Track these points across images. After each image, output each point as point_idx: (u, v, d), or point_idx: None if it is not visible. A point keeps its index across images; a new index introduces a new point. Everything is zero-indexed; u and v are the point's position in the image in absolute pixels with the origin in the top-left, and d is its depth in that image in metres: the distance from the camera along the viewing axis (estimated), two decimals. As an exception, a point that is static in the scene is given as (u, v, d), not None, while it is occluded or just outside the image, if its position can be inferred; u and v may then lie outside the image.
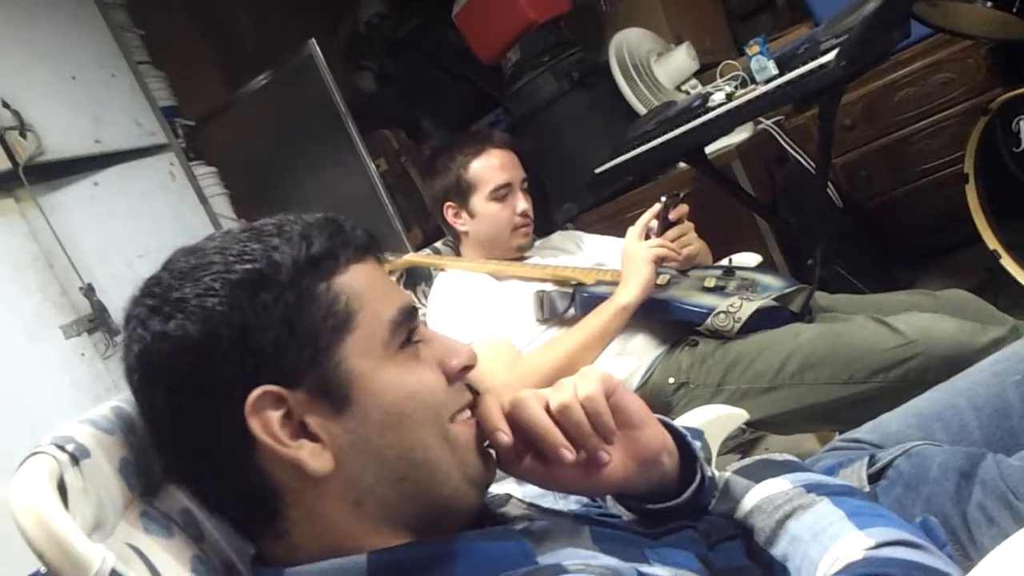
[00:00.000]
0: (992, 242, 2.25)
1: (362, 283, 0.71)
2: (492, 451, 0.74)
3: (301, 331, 0.67)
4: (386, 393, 0.69)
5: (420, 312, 1.97)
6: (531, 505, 0.81)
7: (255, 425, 0.65)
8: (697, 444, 0.82)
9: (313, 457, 0.66)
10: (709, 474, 0.81)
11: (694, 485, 0.78)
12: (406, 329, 0.72)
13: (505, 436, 0.72)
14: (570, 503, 0.85)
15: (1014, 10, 2.02)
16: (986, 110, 2.17)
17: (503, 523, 0.77)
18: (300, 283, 0.68)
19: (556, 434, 0.72)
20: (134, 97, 2.80)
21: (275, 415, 0.66)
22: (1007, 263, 2.23)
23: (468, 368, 0.75)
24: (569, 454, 0.72)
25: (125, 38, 2.85)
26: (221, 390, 0.65)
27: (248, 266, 0.67)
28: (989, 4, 2.03)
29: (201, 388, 0.65)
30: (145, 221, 2.65)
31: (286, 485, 0.67)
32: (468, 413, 0.74)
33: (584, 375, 0.75)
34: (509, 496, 0.82)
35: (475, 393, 0.76)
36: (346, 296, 0.69)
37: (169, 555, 0.68)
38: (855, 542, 0.66)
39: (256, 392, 0.65)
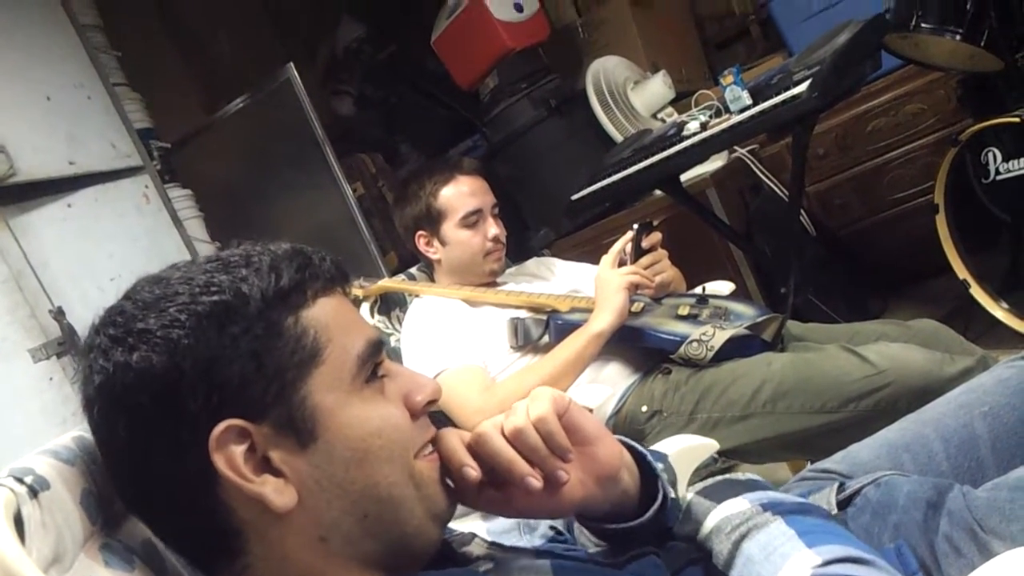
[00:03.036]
0: (962, 272, 2.28)
1: (329, 317, 0.70)
2: (451, 484, 0.74)
3: (268, 365, 0.66)
4: (352, 429, 0.68)
5: (394, 338, 1.97)
6: (494, 544, 0.81)
7: (218, 460, 0.64)
8: (660, 466, 0.82)
9: (276, 492, 0.65)
10: (671, 494, 0.81)
11: (656, 504, 0.78)
12: (372, 363, 0.71)
13: (473, 472, 0.72)
14: (535, 539, 0.85)
15: (982, 43, 2.06)
16: (956, 141, 2.20)
17: (466, 563, 0.77)
18: (268, 316, 0.67)
19: (521, 463, 0.72)
20: (109, 119, 2.78)
21: (239, 450, 0.65)
22: (976, 292, 2.26)
23: (432, 403, 0.74)
24: (536, 482, 0.71)
25: (101, 59, 2.83)
26: (185, 423, 0.64)
27: (215, 298, 0.66)
28: (958, 37, 2.07)
29: (164, 421, 0.64)
30: (118, 244, 2.62)
31: (248, 521, 0.66)
32: (430, 448, 0.74)
33: (535, 397, 0.75)
34: (473, 535, 0.81)
35: (436, 427, 0.76)
36: (314, 330, 0.68)
37: (128, 590, 0.66)
38: (804, 560, 0.66)
39: (220, 426, 0.64)
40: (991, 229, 2.34)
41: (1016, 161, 2.11)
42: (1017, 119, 2.03)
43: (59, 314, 2.30)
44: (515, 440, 0.73)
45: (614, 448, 0.77)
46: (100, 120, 2.75)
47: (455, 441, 0.74)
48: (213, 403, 0.64)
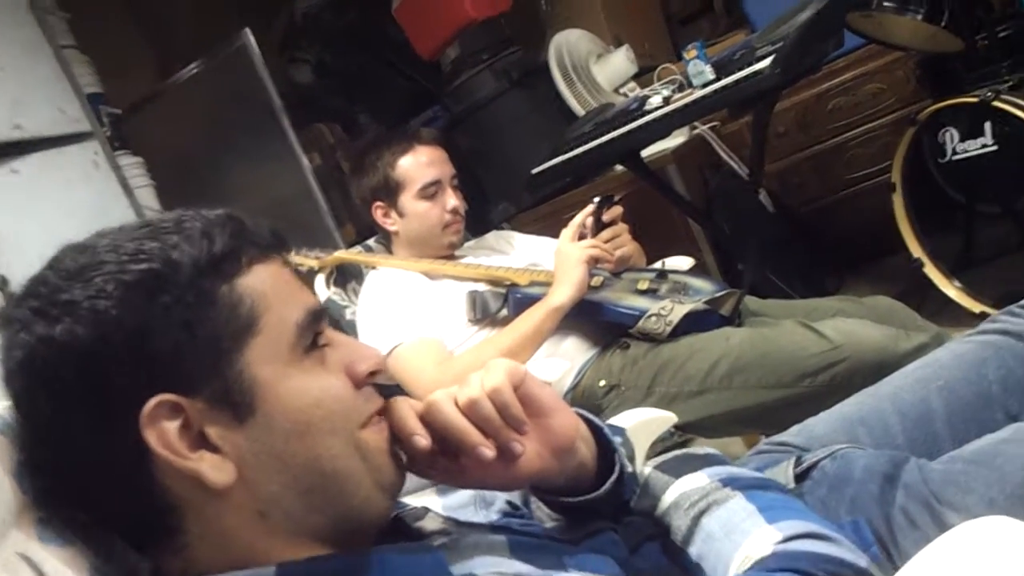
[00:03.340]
0: (916, 250, 2.31)
1: (266, 285, 0.67)
2: (403, 456, 0.72)
3: (201, 336, 0.63)
4: (291, 400, 0.65)
5: (350, 311, 1.94)
6: (448, 519, 0.79)
7: (151, 436, 0.61)
8: (617, 439, 0.80)
9: (213, 469, 0.62)
10: (628, 468, 0.80)
11: (613, 477, 0.77)
12: (312, 332, 0.68)
13: (423, 440, 0.70)
14: (491, 514, 0.83)
15: (943, 23, 2.07)
16: (914, 121, 2.22)
17: (420, 537, 0.75)
18: (200, 285, 0.64)
19: (473, 433, 0.70)
20: (57, 82, 2.70)
21: (172, 425, 0.62)
22: (930, 271, 2.29)
23: (375, 373, 0.72)
24: (489, 452, 0.70)
25: (49, 21, 2.74)
26: (113, 399, 0.61)
27: (144, 266, 0.62)
28: (919, 17, 2.08)
29: (91, 397, 0.61)
30: (66, 211, 2.55)
31: (185, 498, 0.63)
32: (378, 419, 0.71)
33: (489, 368, 0.73)
34: (427, 510, 0.79)
35: (385, 398, 0.73)
36: (250, 299, 0.65)
37: (66, 566, 0.63)
38: (765, 537, 0.66)
39: (152, 402, 0.61)
40: (946, 209, 2.36)
41: (972, 141, 2.13)
42: (975, 99, 2.05)
43: (2, 283, 2.24)
44: (469, 411, 0.71)
45: (570, 420, 0.76)
46: (47, 84, 2.67)
47: (405, 409, 0.72)
48: (143, 377, 0.61)
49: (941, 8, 2.08)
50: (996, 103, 2.01)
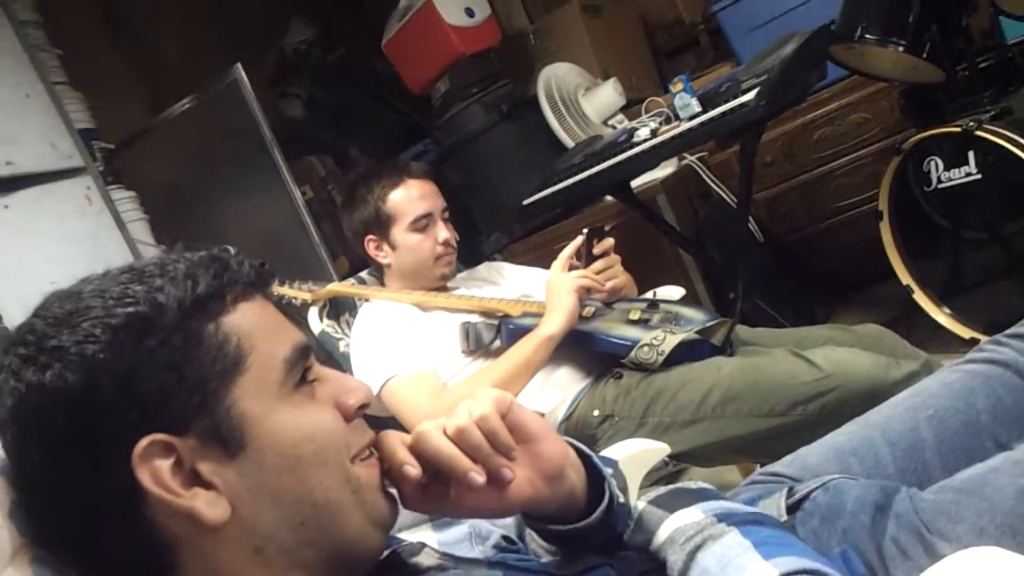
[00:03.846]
0: (905, 277, 2.32)
1: (252, 322, 0.68)
2: (394, 491, 0.72)
3: (189, 376, 0.64)
4: (282, 435, 0.66)
5: (343, 343, 1.95)
6: (445, 554, 0.79)
7: (144, 476, 0.62)
8: (608, 471, 0.81)
9: (208, 505, 0.63)
10: (619, 497, 0.80)
11: (603, 504, 0.77)
12: (301, 368, 0.70)
13: (413, 469, 0.70)
14: (487, 549, 0.84)
15: (924, 55, 2.10)
16: (899, 150, 2.25)
17: (416, 574, 0.75)
18: (187, 325, 0.65)
19: (463, 459, 0.70)
20: (50, 118, 2.71)
21: (165, 464, 0.62)
22: (919, 298, 2.30)
23: (364, 407, 0.73)
24: (479, 477, 0.70)
25: (41, 57, 2.76)
26: (105, 442, 0.62)
27: (130, 309, 0.63)
28: (901, 48, 2.11)
29: (83, 441, 0.62)
30: (59, 246, 2.55)
31: (181, 536, 0.64)
32: (368, 452, 0.72)
33: (476, 396, 0.74)
34: (423, 545, 0.80)
35: (377, 431, 0.74)
36: (236, 337, 0.67)
37: (63, 603, 0.64)
38: (760, 572, 0.66)
39: (144, 442, 0.62)
40: (933, 236, 2.39)
41: (957, 170, 2.16)
42: (958, 129, 2.08)
43: (-5, 319, 2.24)
44: (457, 439, 0.71)
45: (559, 446, 0.77)
46: (40, 119, 2.67)
47: (395, 441, 0.73)
48: (134, 419, 0.62)
49: (922, 40, 2.11)
50: (979, 132, 2.03)
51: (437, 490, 0.72)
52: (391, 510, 0.72)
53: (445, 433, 0.72)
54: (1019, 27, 2.48)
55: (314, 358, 0.72)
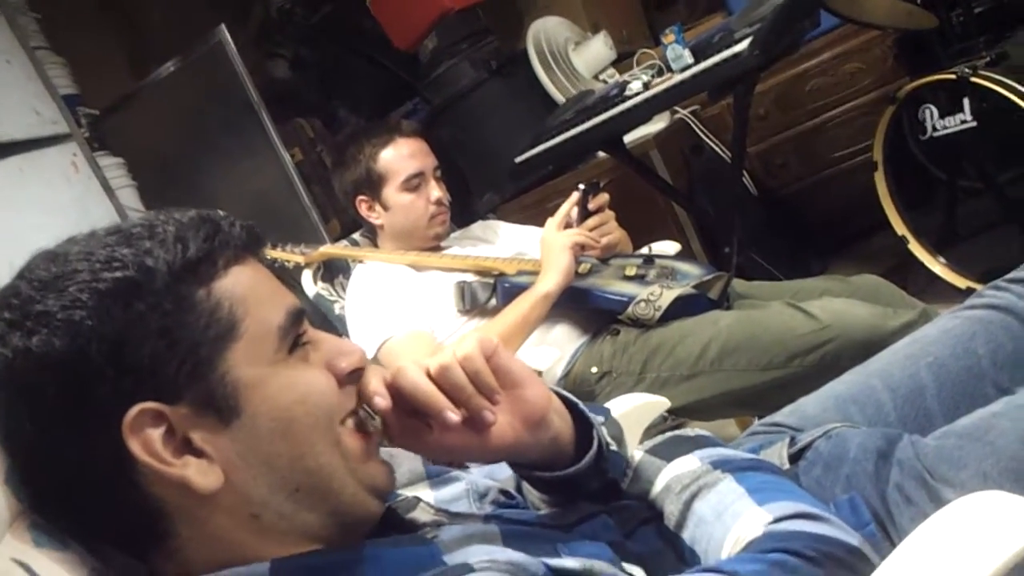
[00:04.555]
0: (900, 228, 2.32)
1: (245, 287, 0.67)
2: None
3: (180, 343, 0.62)
4: (275, 399, 0.65)
5: (338, 306, 1.93)
6: (440, 510, 0.79)
7: (134, 446, 0.61)
8: (600, 419, 0.80)
9: (200, 474, 0.62)
10: (611, 444, 0.80)
11: (592, 451, 0.77)
12: (294, 333, 0.68)
13: (383, 400, 0.69)
14: (484, 506, 0.83)
15: (918, 1, 2.08)
16: (893, 99, 2.23)
17: (412, 529, 0.75)
18: (177, 290, 0.63)
19: (438, 396, 0.69)
20: (31, 84, 2.65)
21: (156, 433, 0.61)
22: (915, 248, 2.30)
23: (358, 370, 0.72)
24: (453, 415, 0.69)
25: (20, 22, 2.70)
26: (94, 411, 0.60)
27: (118, 274, 0.62)
28: (896, -6, 2.09)
29: (72, 409, 0.61)
30: (46, 215, 2.52)
31: (173, 505, 0.63)
32: (359, 418, 0.71)
33: (462, 338, 0.74)
34: (418, 499, 0.79)
35: None
36: (229, 302, 0.65)
37: (62, 569, 0.63)
38: (755, 519, 0.66)
39: (133, 411, 0.60)
40: (928, 186, 2.37)
41: (952, 118, 2.14)
42: (953, 76, 2.06)
43: (-15, 288, 2.22)
44: (439, 378, 0.70)
45: (542, 391, 0.76)
46: (21, 85, 2.62)
47: (371, 374, 0.72)
48: (124, 387, 0.61)
49: (917, -15, 2.09)
50: (974, 79, 2.02)
51: (417, 428, 0.71)
52: (385, 476, 0.72)
53: (429, 374, 0.71)
54: (1014, -29, 2.45)
55: (307, 321, 0.71)
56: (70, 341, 0.60)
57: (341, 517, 0.68)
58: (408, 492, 0.82)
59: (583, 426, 0.79)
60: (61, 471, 0.63)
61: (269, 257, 1.82)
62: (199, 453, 0.63)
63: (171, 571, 0.65)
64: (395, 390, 0.70)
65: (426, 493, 0.83)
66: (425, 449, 0.74)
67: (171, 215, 0.67)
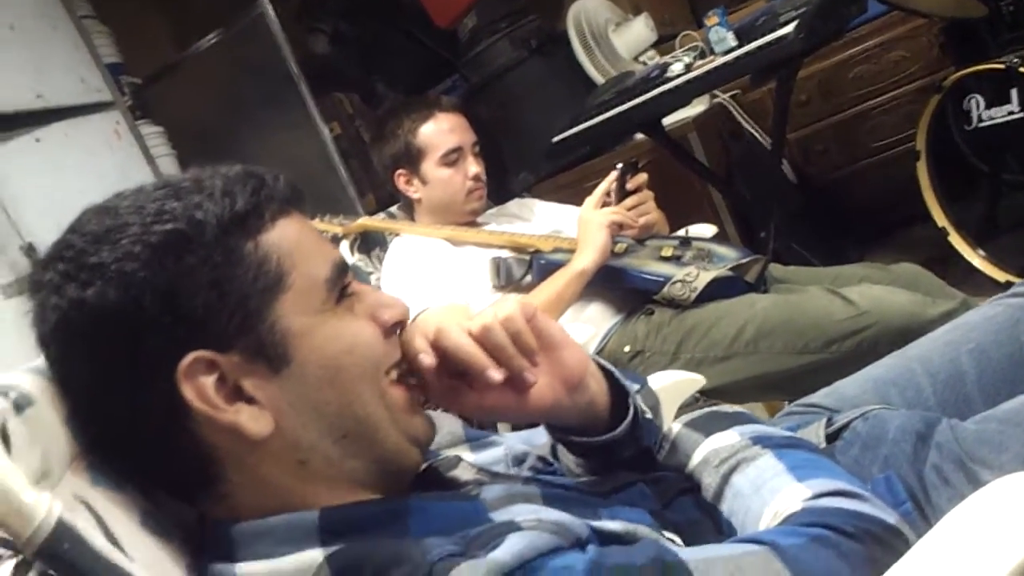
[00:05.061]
0: (941, 219, 2.29)
1: (291, 240, 0.68)
2: (426, 410, 0.73)
3: (231, 294, 0.64)
4: (324, 348, 0.67)
5: (374, 277, 1.95)
6: (482, 470, 0.80)
7: (188, 392, 0.62)
8: (635, 386, 0.81)
9: (252, 420, 0.64)
10: (647, 413, 0.81)
11: (628, 418, 0.77)
12: (340, 285, 0.70)
13: (428, 358, 0.71)
14: (523, 471, 0.84)
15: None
16: (939, 88, 2.20)
17: (455, 486, 0.76)
18: (226, 243, 0.64)
19: (481, 356, 0.71)
20: (77, 52, 2.70)
21: (208, 380, 0.63)
22: (955, 240, 2.27)
23: (401, 322, 0.73)
24: (496, 374, 0.70)
25: (67, -10, 2.75)
26: (149, 359, 0.62)
27: (169, 227, 0.63)
28: (946, -18, 2.06)
29: (127, 358, 0.62)
30: (89, 179, 2.56)
31: (225, 450, 0.65)
32: (401, 371, 0.72)
33: (501, 301, 0.75)
34: (459, 458, 0.80)
35: None
36: (276, 255, 0.66)
37: (118, 508, 0.65)
38: (794, 494, 0.66)
39: (187, 359, 0.62)
40: (971, 177, 2.35)
41: (998, 108, 2.11)
42: (1001, 65, 2.03)
43: (30, 250, 2.26)
44: (481, 338, 0.71)
45: (580, 354, 0.77)
46: (67, 53, 2.67)
47: (414, 332, 0.73)
48: (177, 336, 0.62)
49: (968, -28, 2.06)
50: (1023, 69, 1.98)
51: (458, 387, 0.73)
52: (426, 428, 0.73)
53: (470, 334, 0.72)
54: (1068, -39, 2.40)
55: (352, 275, 0.72)
56: (124, 292, 0.61)
57: (385, 464, 0.70)
58: (449, 452, 0.83)
59: (619, 394, 0.79)
60: (117, 417, 0.64)
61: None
62: (250, 400, 0.64)
63: (221, 515, 0.67)
64: (438, 349, 0.72)
65: (467, 455, 0.84)
66: (465, 408, 0.75)
67: (217, 170, 0.69)
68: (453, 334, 0.71)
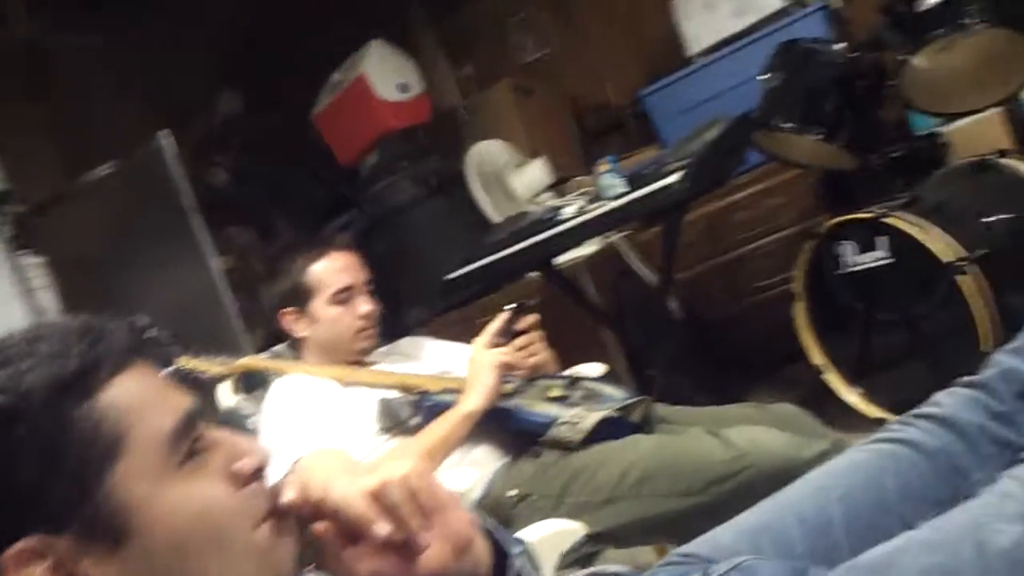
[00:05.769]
0: (817, 358, 2.37)
1: (131, 395, 0.64)
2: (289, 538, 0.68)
3: (63, 465, 0.59)
4: (170, 517, 0.62)
5: (253, 419, 1.88)
6: None
7: None
8: (517, 549, 0.78)
9: None
10: (530, 572, 0.77)
11: None
12: (188, 440, 0.65)
13: (321, 526, 0.67)
14: None
15: (840, 144, 2.19)
16: (813, 234, 2.32)
17: None
18: (56, 410, 0.60)
19: (368, 512, 0.67)
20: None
21: (38, 570, 0.58)
22: (831, 378, 2.35)
23: (261, 469, 0.69)
24: (381, 530, 0.66)
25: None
26: None
27: None
28: (819, 137, 2.20)
29: None
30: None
31: None
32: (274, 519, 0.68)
33: (396, 457, 0.72)
34: None
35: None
36: (114, 414, 0.62)
37: None
38: None
39: (14, 548, 0.57)
40: (845, 317, 2.45)
41: (868, 254, 2.23)
42: (870, 215, 2.16)
43: None
44: (377, 496, 0.67)
45: (466, 515, 0.74)
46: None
47: (300, 491, 0.69)
48: (8, 517, 0.58)
49: (839, 129, 2.21)
50: (888, 220, 2.12)
51: (345, 551, 0.68)
52: (288, 555, 0.68)
53: (366, 492, 0.68)
54: (927, 121, 2.62)
55: (204, 424, 0.68)
56: None
57: None
58: None
59: (499, 554, 0.76)
60: None
61: (187, 367, 1.78)
62: None
63: None
64: (328, 508, 0.68)
65: None
66: (350, 570, 0.70)
67: (56, 326, 0.65)
68: (338, 491, 0.68)
